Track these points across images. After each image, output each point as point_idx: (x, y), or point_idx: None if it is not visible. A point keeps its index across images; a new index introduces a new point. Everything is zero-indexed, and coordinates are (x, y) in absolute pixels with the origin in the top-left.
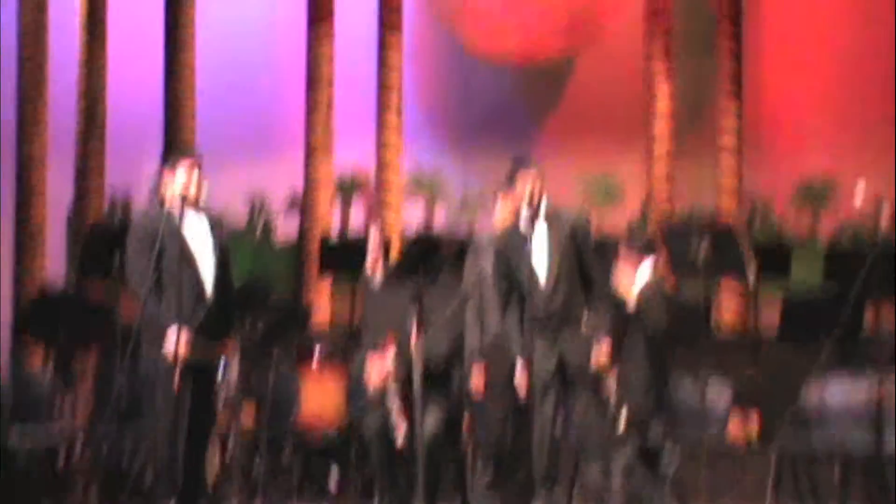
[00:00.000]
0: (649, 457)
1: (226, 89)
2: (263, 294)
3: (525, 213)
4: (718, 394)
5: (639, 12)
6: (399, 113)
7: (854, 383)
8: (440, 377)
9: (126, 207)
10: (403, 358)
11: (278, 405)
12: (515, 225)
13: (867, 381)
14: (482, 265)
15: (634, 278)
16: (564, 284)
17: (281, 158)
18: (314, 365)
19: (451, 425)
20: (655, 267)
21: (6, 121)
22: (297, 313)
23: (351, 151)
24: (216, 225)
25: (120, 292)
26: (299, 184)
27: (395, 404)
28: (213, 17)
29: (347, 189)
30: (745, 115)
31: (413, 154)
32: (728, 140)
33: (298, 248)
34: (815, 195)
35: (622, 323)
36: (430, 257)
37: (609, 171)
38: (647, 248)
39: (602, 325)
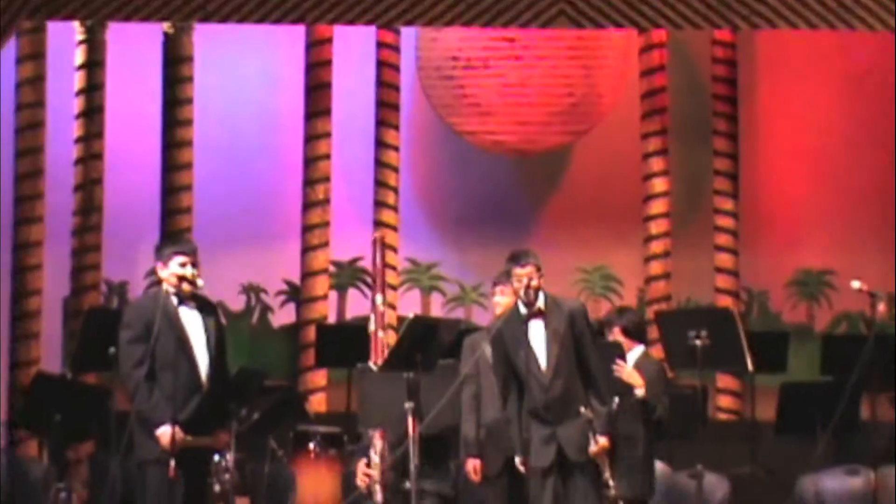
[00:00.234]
0: None
1: (224, 172)
2: (259, 381)
3: (523, 309)
4: (715, 487)
5: (636, 100)
6: (396, 210)
7: (850, 476)
8: (437, 462)
9: (123, 293)
10: (400, 445)
11: (274, 496)
12: (514, 314)
13: (863, 473)
14: (481, 353)
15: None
16: (564, 373)
17: (278, 247)
18: (310, 454)
19: None
20: (647, 352)
21: (4, 202)
22: (293, 401)
23: (348, 241)
24: (212, 312)
25: (116, 380)
26: (296, 272)
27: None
28: (213, 100)
29: (344, 276)
30: (742, 208)
31: (409, 245)
32: (725, 232)
33: (294, 334)
34: (812, 286)
35: (626, 410)
36: (427, 343)
37: (606, 262)
38: (637, 333)
39: (601, 417)
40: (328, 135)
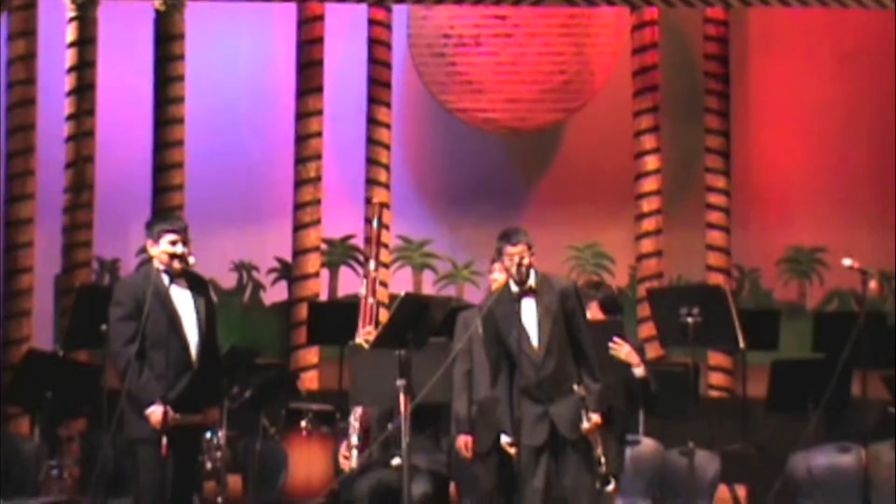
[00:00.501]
0: None
1: (216, 150)
2: (250, 359)
3: (514, 287)
4: (706, 464)
5: (628, 78)
6: (388, 188)
7: (841, 453)
8: (429, 440)
9: (114, 270)
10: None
11: (265, 473)
12: (505, 292)
13: (854, 450)
14: (474, 329)
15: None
16: (555, 351)
17: (269, 225)
18: (302, 432)
19: (439, 491)
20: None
21: None
22: (285, 378)
23: (339, 219)
24: (203, 290)
25: (108, 357)
26: (287, 249)
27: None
28: (204, 77)
29: (336, 254)
30: (733, 186)
31: (401, 223)
32: (716, 209)
33: (286, 312)
34: (803, 263)
35: (623, 387)
36: (419, 321)
37: (598, 239)
38: (614, 307)
39: (593, 394)
40: (320, 112)
